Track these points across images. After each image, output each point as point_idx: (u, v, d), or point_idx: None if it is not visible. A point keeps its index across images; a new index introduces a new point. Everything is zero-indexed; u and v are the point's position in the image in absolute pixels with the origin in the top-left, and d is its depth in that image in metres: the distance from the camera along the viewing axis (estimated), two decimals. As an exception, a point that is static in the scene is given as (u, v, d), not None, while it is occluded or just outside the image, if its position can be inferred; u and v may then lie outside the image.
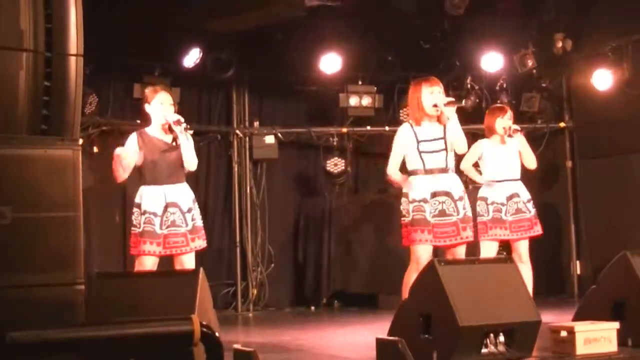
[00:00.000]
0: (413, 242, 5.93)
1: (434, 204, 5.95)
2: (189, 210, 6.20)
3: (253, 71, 9.59)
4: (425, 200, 5.94)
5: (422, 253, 5.92)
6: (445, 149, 6.04)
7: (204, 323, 3.53)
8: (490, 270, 5.08)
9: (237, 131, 9.73)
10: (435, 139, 6.03)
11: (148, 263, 6.06)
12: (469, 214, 6.12)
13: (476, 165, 7.27)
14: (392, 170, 6.13)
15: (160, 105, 6.25)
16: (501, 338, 4.76)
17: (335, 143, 9.82)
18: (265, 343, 6.67)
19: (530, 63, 9.23)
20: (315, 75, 9.42)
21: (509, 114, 7.15)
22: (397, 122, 9.66)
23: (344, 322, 8.27)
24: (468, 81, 9.60)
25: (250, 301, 9.50)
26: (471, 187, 7.79)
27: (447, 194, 5.98)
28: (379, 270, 9.23)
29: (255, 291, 9.52)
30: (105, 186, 8.66)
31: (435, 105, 6.04)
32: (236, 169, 9.71)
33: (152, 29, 8.22)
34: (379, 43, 9.38)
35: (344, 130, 9.84)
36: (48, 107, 4.34)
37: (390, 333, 5.03)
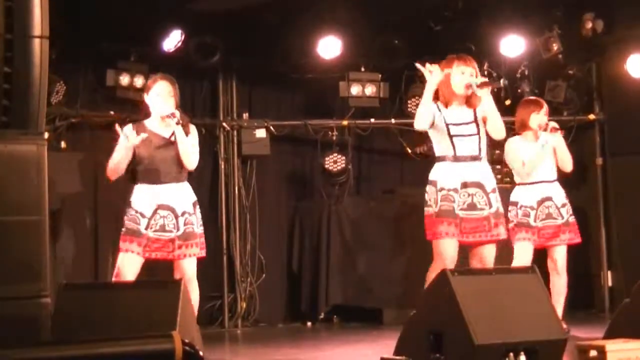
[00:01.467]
0: (438, 236, 5.96)
1: (464, 195, 5.99)
2: (183, 214, 6.25)
3: (242, 57, 9.58)
4: (455, 190, 6.00)
5: (448, 248, 5.95)
6: (478, 134, 6.09)
7: (187, 341, 3.52)
8: (509, 282, 5.08)
9: (224, 124, 9.72)
10: (465, 123, 6.08)
11: (126, 261, 6.10)
12: (502, 209, 6.16)
13: (504, 164, 7.33)
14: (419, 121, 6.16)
15: (157, 97, 6.34)
16: (522, 358, 4.76)
17: (334, 138, 9.81)
18: (255, 364, 6.68)
19: (555, 47, 9.22)
20: (312, 61, 9.41)
21: (545, 108, 7.22)
22: (404, 114, 9.69)
23: (344, 339, 8.27)
24: (485, 68, 9.58)
25: (239, 316, 9.49)
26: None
27: (479, 185, 6.04)
28: (383, 281, 9.22)
29: (244, 305, 9.51)
30: (75, 186, 8.67)
31: (468, 86, 6.08)
32: (223, 166, 9.70)
33: (127, 8, 8.21)
34: (383, 25, 9.37)
35: (345, 123, 9.83)
36: (9, 97, 4.34)
37: (396, 352, 5.02)
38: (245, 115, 9.73)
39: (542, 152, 7.12)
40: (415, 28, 9.45)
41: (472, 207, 5.99)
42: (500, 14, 9.20)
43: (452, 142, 6.08)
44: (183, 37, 8.84)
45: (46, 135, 5.07)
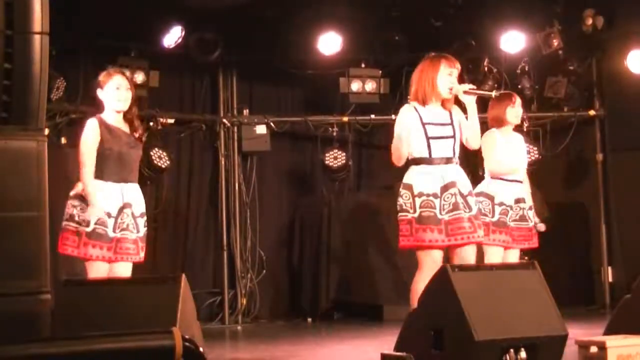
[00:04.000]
0: (421, 243, 5.85)
1: (447, 197, 5.88)
2: (142, 215, 6.11)
3: (242, 53, 9.58)
4: (435, 195, 5.86)
5: (435, 256, 5.86)
6: (454, 137, 5.98)
7: (187, 337, 3.52)
8: (510, 278, 5.07)
9: (224, 120, 9.72)
10: (442, 124, 5.98)
11: (102, 269, 5.98)
12: (479, 210, 6.09)
13: (478, 156, 7.19)
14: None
15: (116, 91, 6.16)
16: (522, 354, 4.75)
17: (334, 134, 9.81)
18: (255, 359, 6.67)
19: (555, 43, 9.22)
20: (312, 57, 9.41)
21: (519, 101, 7.12)
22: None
23: (345, 335, 8.27)
24: (485, 63, 9.59)
25: (239, 312, 9.50)
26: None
27: (457, 187, 5.91)
28: (384, 277, 9.23)
29: (244, 301, 9.52)
30: (75, 182, 8.67)
31: (451, 89, 5.99)
32: (223, 162, 9.70)
33: (127, 5, 8.20)
34: (384, 21, 9.37)
35: (345, 119, 9.84)
36: (9, 93, 4.33)
37: (397, 348, 5.03)
38: (246, 112, 9.74)
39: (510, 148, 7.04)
40: (416, 24, 9.44)
41: (456, 207, 5.88)
42: (500, 9, 9.19)
43: (428, 143, 5.95)
44: (183, 33, 8.84)
45: (46, 131, 5.07)
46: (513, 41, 9.40)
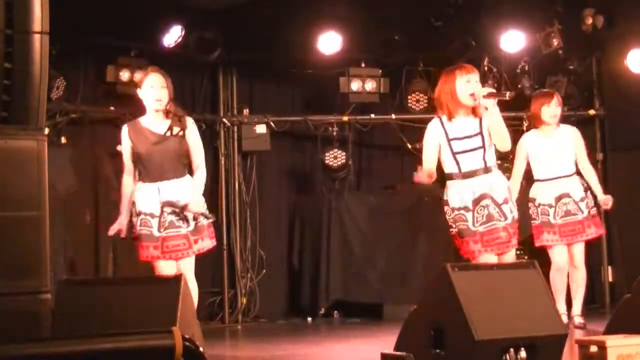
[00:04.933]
0: (470, 255, 5.99)
1: (480, 210, 5.95)
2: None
3: (242, 52, 9.58)
4: (467, 209, 5.96)
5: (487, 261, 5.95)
6: (483, 147, 5.99)
7: (187, 336, 3.52)
8: (510, 277, 5.07)
9: (224, 120, 9.71)
10: (469, 136, 6.00)
11: (165, 269, 6.08)
12: (517, 216, 6.12)
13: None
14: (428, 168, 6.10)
15: (150, 89, 6.26)
16: (522, 354, 4.76)
17: (335, 133, 9.80)
18: (255, 359, 6.67)
19: (555, 43, 9.21)
20: (312, 56, 9.41)
21: (557, 99, 7.27)
22: (405, 110, 9.69)
23: (345, 335, 8.27)
24: (485, 63, 9.58)
25: (239, 312, 9.49)
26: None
27: (490, 197, 5.95)
28: (384, 277, 9.23)
29: (244, 300, 9.52)
30: (75, 182, 8.66)
31: (472, 95, 5.98)
32: (223, 162, 9.70)
33: (127, 4, 8.20)
34: (384, 20, 9.36)
35: (345, 118, 9.83)
36: (9, 92, 4.33)
37: (397, 347, 5.02)
38: (246, 111, 9.73)
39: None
40: (416, 23, 9.44)
41: (490, 218, 5.94)
42: (500, 9, 9.19)
43: (455, 158, 6.00)
44: (183, 32, 8.83)
45: (46, 130, 5.07)
46: (513, 41, 9.39)
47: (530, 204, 7.28)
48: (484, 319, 4.68)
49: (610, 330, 5.38)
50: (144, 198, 6.18)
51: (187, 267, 6.20)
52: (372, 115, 9.86)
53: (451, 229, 6.09)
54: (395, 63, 9.69)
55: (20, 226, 4.21)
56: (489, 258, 5.96)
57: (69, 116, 8.61)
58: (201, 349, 3.56)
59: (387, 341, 5.59)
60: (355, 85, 9.59)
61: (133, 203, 6.21)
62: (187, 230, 6.18)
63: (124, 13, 8.30)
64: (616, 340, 4.95)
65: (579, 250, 7.25)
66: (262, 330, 8.91)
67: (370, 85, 9.61)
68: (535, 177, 7.31)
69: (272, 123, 9.65)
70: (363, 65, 9.67)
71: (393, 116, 9.71)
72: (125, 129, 6.30)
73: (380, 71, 9.66)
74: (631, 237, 9.22)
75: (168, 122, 6.28)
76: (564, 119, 9.72)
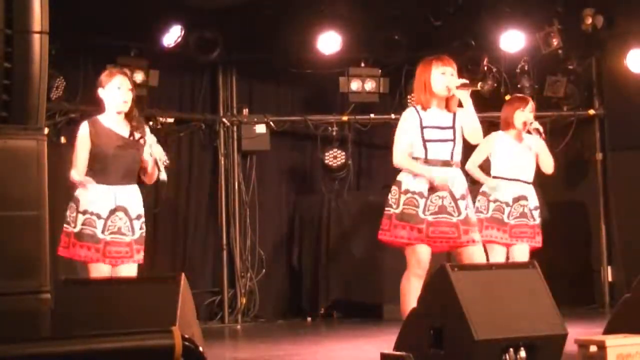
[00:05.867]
0: (397, 240, 5.91)
1: (435, 199, 5.89)
2: (138, 217, 6.07)
3: (241, 52, 9.58)
4: (422, 195, 5.89)
5: (420, 254, 5.89)
6: (454, 140, 5.97)
7: (187, 336, 3.52)
8: (509, 277, 5.07)
9: (224, 119, 9.72)
10: (442, 127, 5.98)
11: (101, 272, 5.95)
12: (472, 216, 6.04)
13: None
14: (399, 159, 6.05)
15: (117, 90, 6.10)
16: (522, 353, 4.75)
17: (334, 133, 9.81)
18: (255, 358, 6.67)
19: (555, 42, 9.22)
20: (312, 56, 9.41)
21: (531, 106, 7.14)
22: (404, 109, 9.66)
23: (345, 335, 8.27)
24: (485, 63, 9.59)
25: (239, 311, 9.50)
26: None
27: (448, 190, 5.91)
28: (383, 276, 9.21)
29: (244, 300, 9.52)
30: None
31: (448, 87, 5.97)
32: (223, 162, 9.70)
33: (127, 4, 8.20)
34: (384, 20, 9.37)
35: (345, 118, 9.84)
36: (8, 92, 4.33)
37: (396, 347, 5.02)
38: (245, 111, 9.74)
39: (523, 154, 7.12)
40: (415, 23, 9.45)
41: (442, 210, 5.89)
42: (500, 9, 9.19)
43: (425, 146, 5.95)
44: (183, 32, 8.83)
45: (46, 130, 5.07)
46: (512, 40, 9.40)
47: (480, 197, 7.08)
48: (483, 319, 4.68)
49: (610, 330, 5.38)
50: (94, 198, 5.94)
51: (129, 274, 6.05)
52: (372, 115, 9.87)
53: (387, 209, 5.95)
54: (395, 63, 9.70)
55: (19, 226, 4.20)
56: (421, 249, 5.88)
57: (69, 116, 8.61)
58: (201, 348, 3.56)
59: (387, 341, 5.59)
60: (355, 85, 9.60)
61: (77, 200, 5.96)
62: (132, 238, 6.05)
63: (124, 13, 8.30)
64: (616, 340, 4.95)
65: (524, 252, 7.06)
66: (262, 330, 8.91)
67: (370, 85, 9.62)
68: (496, 174, 7.11)
69: (271, 123, 9.65)
70: (363, 65, 9.67)
71: (393, 116, 9.69)
72: (85, 126, 6.03)
73: (380, 71, 9.67)
74: (631, 237, 9.21)
75: (128, 126, 6.14)
76: (564, 119, 9.78)
